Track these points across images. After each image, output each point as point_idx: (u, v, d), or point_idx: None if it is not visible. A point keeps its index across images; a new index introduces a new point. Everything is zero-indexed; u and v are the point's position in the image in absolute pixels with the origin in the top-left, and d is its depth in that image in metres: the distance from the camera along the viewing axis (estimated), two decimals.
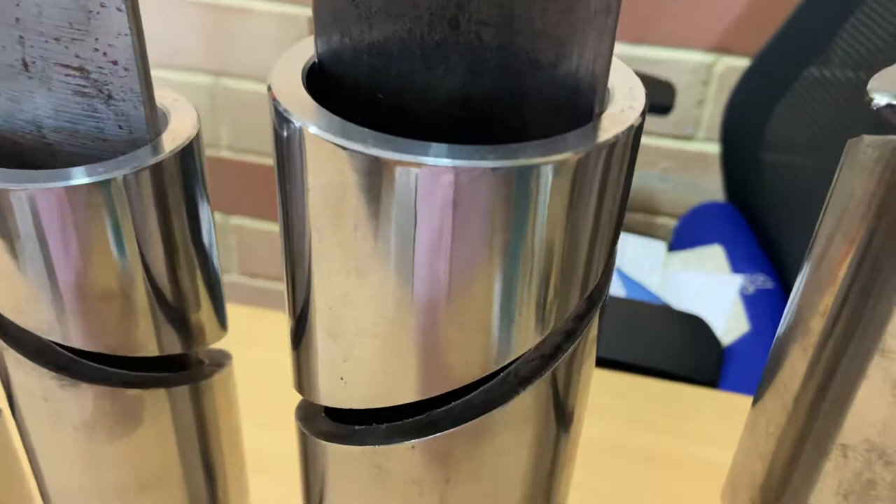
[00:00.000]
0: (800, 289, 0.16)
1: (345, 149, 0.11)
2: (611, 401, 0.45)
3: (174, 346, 0.17)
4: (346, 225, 0.12)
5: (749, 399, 0.48)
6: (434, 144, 0.11)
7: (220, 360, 0.20)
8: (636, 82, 0.14)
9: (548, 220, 0.12)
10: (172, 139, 0.16)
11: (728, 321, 0.75)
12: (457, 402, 0.14)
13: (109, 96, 0.15)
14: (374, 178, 0.11)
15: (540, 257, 0.12)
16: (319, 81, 0.14)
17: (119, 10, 0.14)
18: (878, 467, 0.14)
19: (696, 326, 0.61)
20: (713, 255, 0.87)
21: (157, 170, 0.15)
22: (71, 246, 0.15)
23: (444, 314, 0.13)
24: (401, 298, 0.12)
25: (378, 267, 0.12)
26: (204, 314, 0.18)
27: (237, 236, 1.37)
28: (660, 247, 0.94)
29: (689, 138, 1.22)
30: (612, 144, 0.12)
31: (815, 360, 0.15)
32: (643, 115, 0.13)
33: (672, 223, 1.24)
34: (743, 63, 1.05)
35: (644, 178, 1.24)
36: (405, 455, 0.15)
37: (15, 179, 0.14)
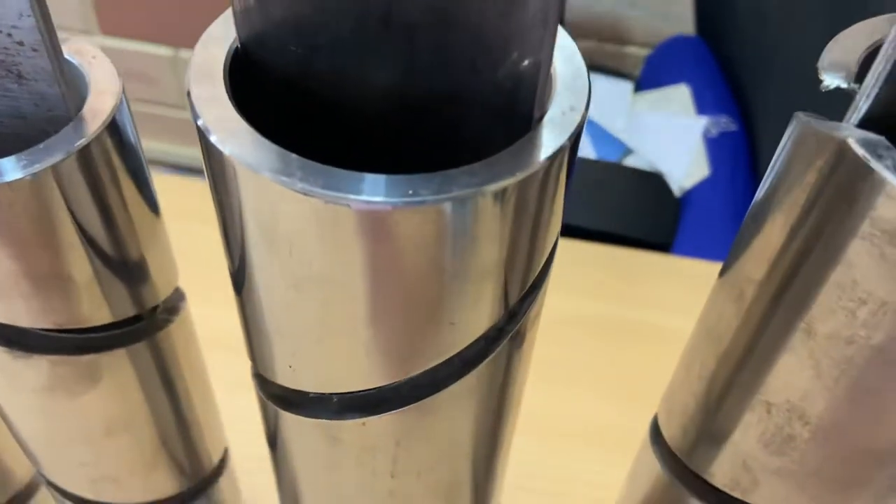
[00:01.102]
0: (739, 243, 0.17)
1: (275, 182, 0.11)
2: (567, 270, 0.46)
3: (127, 310, 0.18)
4: (281, 248, 0.12)
5: (702, 263, 0.50)
6: (367, 178, 0.11)
7: (175, 304, 0.20)
8: (580, 68, 0.13)
9: (482, 240, 0.12)
10: (94, 114, 0.15)
11: (689, 166, 0.76)
12: (404, 382, 0.15)
13: (20, 76, 0.14)
14: (307, 211, 0.11)
15: (477, 272, 0.12)
16: (242, 66, 0.13)
17: None
18: (797, 425, 0.15)
19: (654, 185, 0.62)
20: (679, 96, 0.86)
21: (84, 152, 0.15)
22: (4, 237, 0.14)
23: (383, 325, 0.13)
24: (341, 313, 0.13)
25: (316, 286, 0.12)
26: (154, 273, 0.18)
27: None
28: (626, 87, 0.92)
29: None
30: (551, 161, 0.12)
31: (746, 321, 0.16)
32: (586, 112, 0.12)
33: (642, 53, 1.21)
34: None
35: (615, 4, 1.19)
36: (356, 428, 0.15)
37: None
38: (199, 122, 0.12)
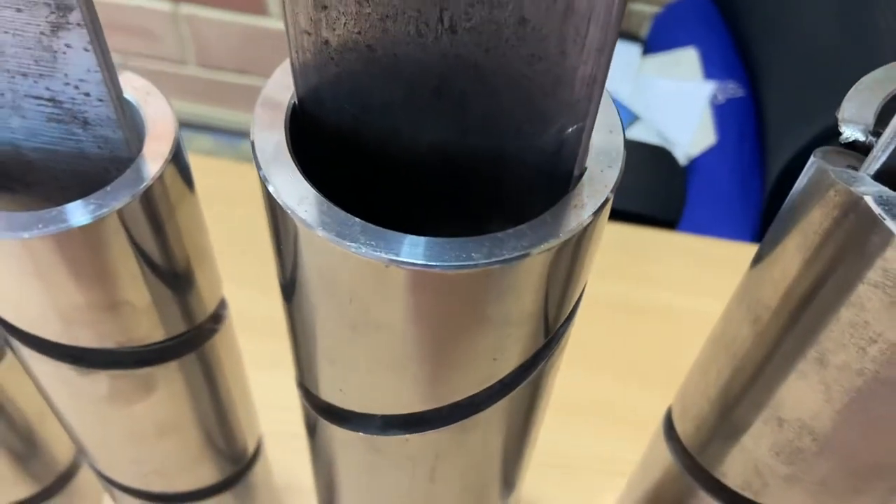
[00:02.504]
0: (757, 264, 0.18)
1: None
2: None
3: (179, 328, 0.19)
4: (341, 297, 0.13)
5: (709, 241, 0.50)
6: (424, 242, 0.12)
7: (220, 313, 0.21)
8: (616, 124, 0.14)
9: (526, 292, 0.13)
10: (154, 155, 0.16)
11: (695, 133, 0.76)
12: (445, 405, 0.16)
13: (86, 122, 0.15)
14: (367, 270, 0.12)
15: (520, 317, 0.13)
16: (299, 118, 0.14)
17: (86, 49, 0.14)
18: (806, 440, 0.17)
19: (662, 160, 0.62)
20: (687, 59, 0.85)
21: (146, 194, 0.15)
22: (70, 274, 0.15)
23: (429, 363, 0.14)
24: (392, 351, 0.14)
25: (371, 329, 0.13)
26: (203, 289, 0.19)
27: (190, 26, 1.30)
28: (635, 51, 0.92)
29: None
30: (590, 221, 0.12)
31: (761, 343, 0.17)
32: (622, 169, 0.13)
33: (649, 10, 1.19)
34: None
35: None
36: (399, 444, 0.16)
37: (9, 227, 0.14)
38: (262, 173, 0.13)
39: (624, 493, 0.28)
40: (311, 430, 0.19)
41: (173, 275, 0.17)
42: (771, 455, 0.18)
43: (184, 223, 0.17)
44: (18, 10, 0.13)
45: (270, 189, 0.12)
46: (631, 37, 1.04)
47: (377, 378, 0.15)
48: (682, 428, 0.22)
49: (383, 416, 0.16)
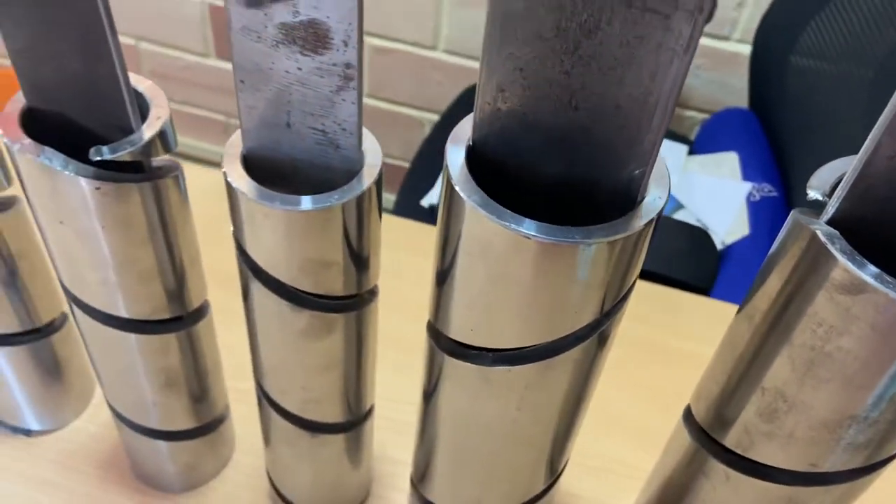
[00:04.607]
0: (755, 284, 0.25)
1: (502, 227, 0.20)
2: None
3: (353, 290, 0.27)
4: (491, 260, 0.21)
5: (735, 308, 0.57)
6: (546, 226, 0.20)
7: (375, 290, 0.29)
8: (664, 168, 0.21)
9: (602, 267, 0.20)
10: (370, 172, 0.24)
11: (731, 224, 0.83)
12: (539, 346, 0.23)
13: (337, 146, 0.23)
14: (511, 241, 0.20)
15: (596, 285, 0.21)
16: (473, 153, 0.22)
17: (353, 103, 0.22)
18: (779, 402, 0.23)
19: (700, 237, 0.69)
20: (728, 161, 0.93)
21: (360, 196, 0.24)
22: (307, 240, 0.24)
23: (540, 309, 0.21)
24: (516, 301, 0.21)
25: (508, 284, 0.21)
26: (372, 273, 0.27)
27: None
28: (682, 149, 1.00)
29: (724, 38, 1.24)
30: (645, 227, 0.20)
31: (753, 335, 0.24)
32: (667, 199, 0.21)
33: (699, 117, 1.28)
34: None
35: None
36: (502, 374, 0.24)
37: (286, 203, 0.23)
38: (453, 184, 0.20)
39: (649, 477, 0.35)
40: (431, 370, 0.26)
41: (358, 256, 0.25)
42: (756, 417, 0.24)
43: (373, 221, 0.25)
44: (321, 77, 0.22)
45: (457, 188, 0.20)
46: (681, 138, 1.13)
47: (501, 318, 0.22)
48: (696, 412, 0.29)
49: (494, 352, 0.24)
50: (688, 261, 0.69)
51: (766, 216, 0.85)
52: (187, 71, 1.56)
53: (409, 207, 0.95)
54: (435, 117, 1.46)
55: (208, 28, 1.49)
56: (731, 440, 0.26)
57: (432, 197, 0.97)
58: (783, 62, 0.96)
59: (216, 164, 1.59)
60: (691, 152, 1.03)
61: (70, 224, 0.25)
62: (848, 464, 0.24)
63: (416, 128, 1.49)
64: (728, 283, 0.73)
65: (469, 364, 0.24)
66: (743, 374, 0.25)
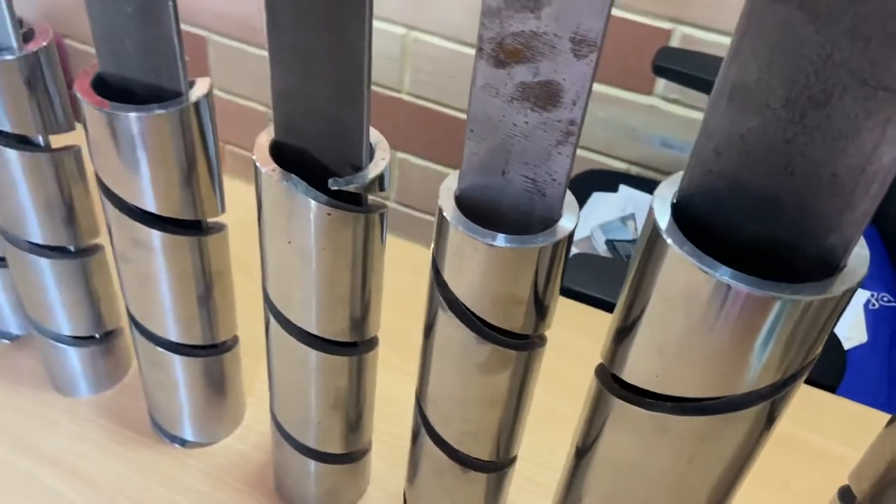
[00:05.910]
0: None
1: (702, 272, 0.21)
2: None
3: (529, 330, 0.28)
4: (692, 317, 0.22)
5: (863, 408, 0.55)
6: (751, 278, 0.20)
7: (543, 335, 0.30)
8: (863, 244, 0.22)
9: (795, 328, 0.21)
10: (565, 228, 0.26)
11: (850, 330, 0.80)
12: (720, 398, 0.24)
13: (543, 195, 0.25)
14: (714, 289, 0.21)
15: (784, 345, 0.21)
16: (680, 207, 0.23)
17: (567, 157, 0.24)
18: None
19: (829, 337, 0.67)
20: None
21: (557, 243, 0.25)
22: (511, 282, 0.25)
23: (730, 361, 0.22)
24: (707, 350, 0.22)
25: (701, 331, 0.22)
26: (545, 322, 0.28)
27: (399, 169, 1.49)
28: None
29: None
30: (844, 293, 0.21)
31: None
32: (866, 271, 0.21)
33: None
34: None
35: None
36: (682, 423, 0.24)
37: (481, 235, 0.24)
38: (660, 232, 0.22)
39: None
40: (598, 413, 0.27)
41: (541, 298, 0.27)
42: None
43: (561, 267, 0.27)
44: (544, 131, 0.24)
45: (667, 239, 0.22)
46: None
47: (691, 367, 0.23)
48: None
49: (674, 401, 0.24)
50: (821, 361, 0.67)
51: (885, 325, 0.81)
52: None
53: None
54: None
55: None
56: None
57: None
58: None
59: None
60: None
61: (296, 243, 0.28)
62: None
63: None
64: (849, 386, 0.70)
65: (645, 411, 0.25)
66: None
